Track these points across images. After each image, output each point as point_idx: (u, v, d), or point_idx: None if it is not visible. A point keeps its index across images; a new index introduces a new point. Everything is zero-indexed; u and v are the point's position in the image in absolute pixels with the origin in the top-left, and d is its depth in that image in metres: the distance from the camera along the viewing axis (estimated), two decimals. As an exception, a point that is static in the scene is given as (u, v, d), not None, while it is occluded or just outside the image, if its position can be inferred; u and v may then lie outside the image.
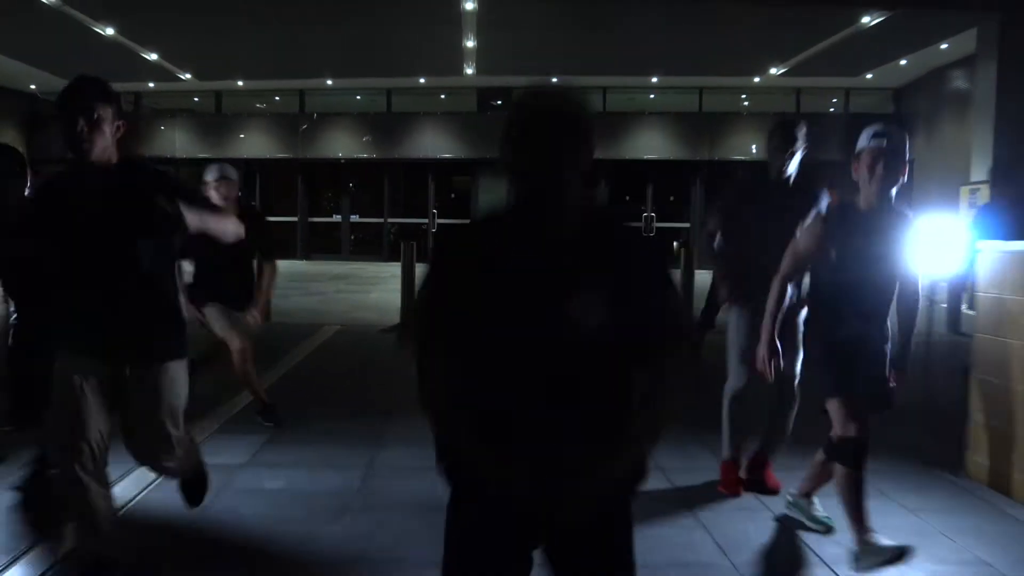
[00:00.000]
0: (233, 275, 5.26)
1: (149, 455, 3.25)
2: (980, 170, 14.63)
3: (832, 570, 3.39)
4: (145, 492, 4.07)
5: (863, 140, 3.39)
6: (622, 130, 22.18)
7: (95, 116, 2.92)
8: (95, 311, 3.03)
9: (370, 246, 24.02)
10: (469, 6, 14.21)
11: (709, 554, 3.55)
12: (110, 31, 16.21)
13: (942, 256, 6.04)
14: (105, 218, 2.96)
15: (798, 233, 3.54)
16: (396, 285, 11.56)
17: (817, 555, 3.55)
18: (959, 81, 18.19)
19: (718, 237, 4.44)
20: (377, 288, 15.40)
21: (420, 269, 1.79)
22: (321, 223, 24.29)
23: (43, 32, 15.96)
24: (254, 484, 4.37)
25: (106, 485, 3.06)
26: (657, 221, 22.09)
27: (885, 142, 3.32)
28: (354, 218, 24.19)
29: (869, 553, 3.24)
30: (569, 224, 1.83)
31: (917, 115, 19.93)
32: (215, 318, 5.19)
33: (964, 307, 10.46)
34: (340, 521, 3.84)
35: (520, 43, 17.18)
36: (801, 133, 4.13)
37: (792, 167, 4.13)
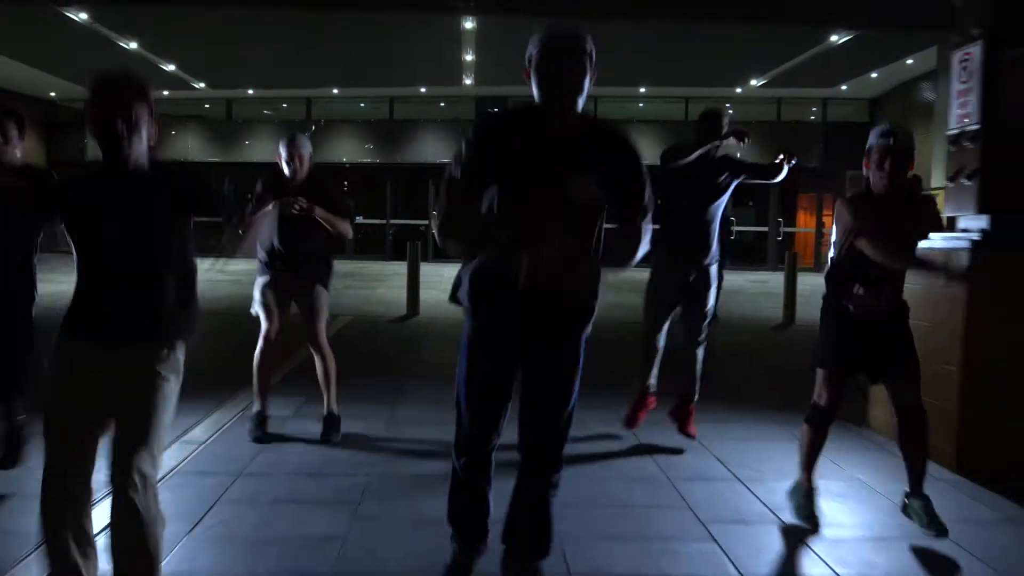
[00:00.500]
0: (306, 244, 5.27)
1: (123, 452, 2.65)
2: (939, 177, 15.83)
3: (745, 485, 4.58)
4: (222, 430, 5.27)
5: (872, 138, 3.82)
6: (613, 137, 23.41)
7: (133, 118, 2.67)
8: (108, 292, 2.76)
9: (373, 246, 25.20)
10: (468, 25, 15.38)
11: (651, 472, 4.74)
12: (133, 45, 17.39)
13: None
14: (135, 222, 2.74)
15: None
16: (400, 282, 12.75)
17: (733, 473, 4.74)
18: (927, 93, 19.39)
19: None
20: (382, 285, 16.52)
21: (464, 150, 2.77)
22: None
23: (70, 46, 17.12)
24: (302, 429, 5.52)
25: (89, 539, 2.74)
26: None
27: (892, 140, 3.73)
28: (358, 219, 25.37)
29: (798, 494, 4.06)
30: (573, 124, 2.73)
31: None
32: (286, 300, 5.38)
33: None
34: (375, 451, 5.03)
35: (516, 56, 18.27)
36: (726, 121, 5.21)
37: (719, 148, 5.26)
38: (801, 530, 3.92)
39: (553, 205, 2.65)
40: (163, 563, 2.76)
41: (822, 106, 23.90)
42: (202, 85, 22.19)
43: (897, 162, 3.73)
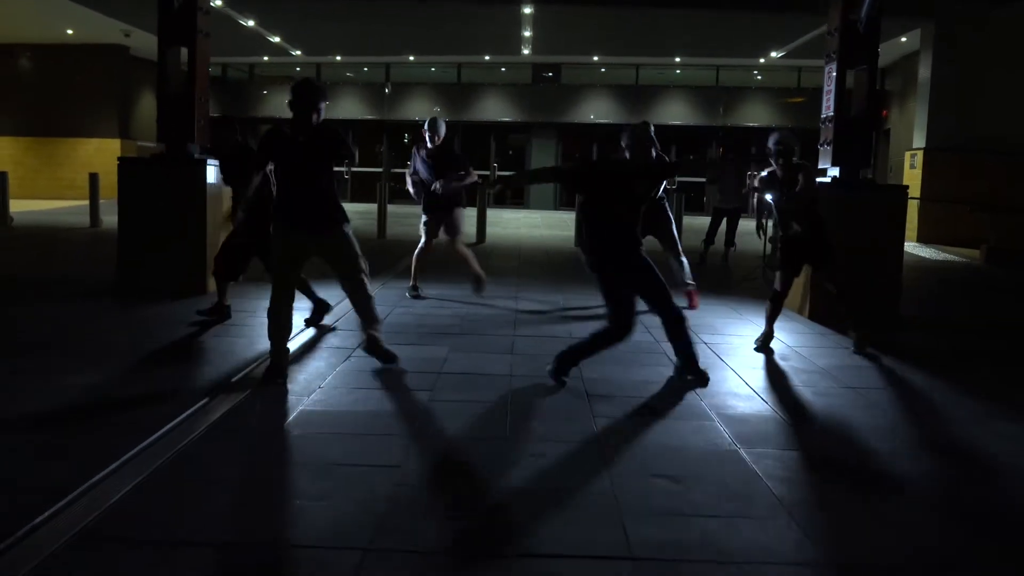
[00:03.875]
0: (447, 193, 8.45)
1: (352, 274, 5.41)
2: (920, 140, 18.85)
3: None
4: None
5: (770, 143, 6.50)
6: (652, 100, 26.43)
7: (319, 111, 5.21)
8: (299, 202, 5.21)
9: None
10: (527, 10, 18.64)
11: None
12: (251, 23, 21.00)
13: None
14: (306, 154, 5.14)
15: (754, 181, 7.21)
16: (468, 221, 16.31)
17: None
18: (920, 67, 22.01)
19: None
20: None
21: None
22: (401, 173, 29.04)
23: (201, 23, 20.65)
24: (418, 302, 9.15)
25: (290, 317, 5.42)
26: (679, 176, 26.31)
27: (778, 144, 6.45)
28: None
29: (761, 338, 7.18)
30: (616, 161, 5.89)
31: (893, 92, 23.84)
32: (438, 222, 8.65)
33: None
34: (466, 304, 8.64)
35: (568, 33, 21.63)
36: (638, 135, 8.38)
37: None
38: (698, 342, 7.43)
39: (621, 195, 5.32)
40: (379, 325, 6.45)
41: (840, 74, 26.56)
42: (298, 52, 25.69)
43: (784, 155, 6.53)
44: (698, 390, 5.43)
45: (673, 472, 3.93)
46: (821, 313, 8.11)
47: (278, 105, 27.58)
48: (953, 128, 18.17)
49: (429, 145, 8.50)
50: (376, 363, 5.84)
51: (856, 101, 8.55)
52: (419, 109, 27.41)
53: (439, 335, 6.95)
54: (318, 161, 5.26)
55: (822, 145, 8.71)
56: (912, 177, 18.66)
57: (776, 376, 5.96)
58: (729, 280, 11.32)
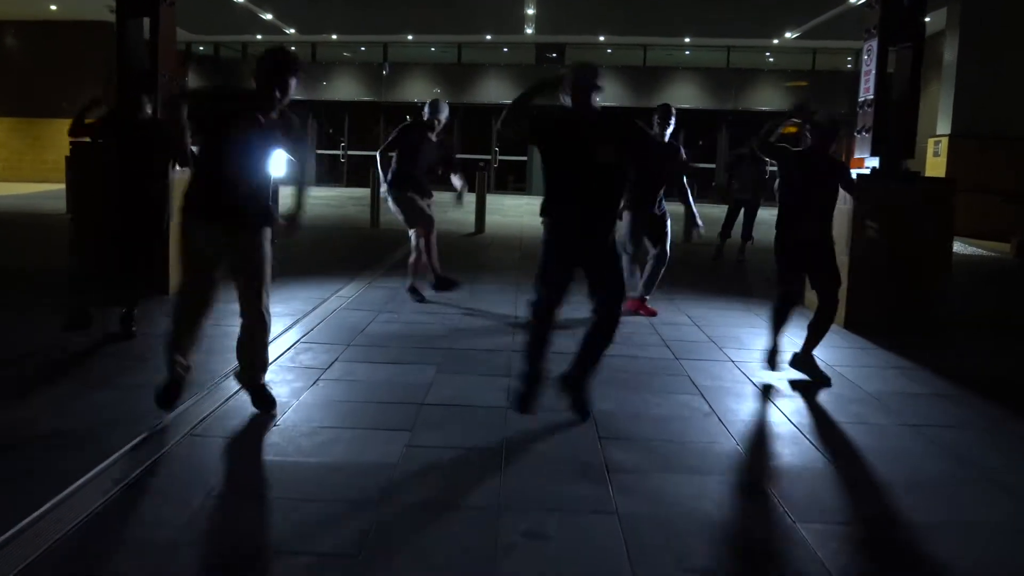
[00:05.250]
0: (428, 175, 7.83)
1: (250, 293, 4.28)
2: (944, 126, 17.87)
3: (699, 327, 7.17)
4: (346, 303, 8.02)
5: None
6: (659, 82, 25.44)
7: (287, 87, 4.11)
8: (227, 192, 4.14)
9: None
10: (530, -14, 17.73)
11: (643, 321, 7.37)
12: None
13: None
14: (259, 137, 4.14)
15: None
16: (466, 208, 15.34)
17: (694, 322, 7.34)
18: (944, 49, 21.04)
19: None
20: (451, 210, 19.16)
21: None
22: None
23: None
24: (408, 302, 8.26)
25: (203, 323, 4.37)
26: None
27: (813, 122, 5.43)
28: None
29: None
30: (593, 114, 4.46)
31: (914, 75, 22.77)
32: (412, 207, 7.67)
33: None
34: (460, 306, 7.73)
35: (572, 10, 20.63)
36: (673, 112, 7.47)
37: (668, 131, 7.48)
38: (714, 349, 6.53)
39: (586, 171, 4.46)
40: (359, 336, 5.50)
41: (856, 56, 25.56)
42: (292, 31, 24.71)
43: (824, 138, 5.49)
44: (729, 427, 4.52)
45: (715, 566, 3.02)
46: (859, 322, 7.23)
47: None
48: (980, 114, 17.18)
49: (426, 122, 7.77)
50: (350, 393, 4.94)
51: (898, 83, 7.60)
52: (418, 90, 26.44)
53: (425, 350, 6.02)
54: (269, 148, 4.25)
55: (860, 132, 7.78)
56: (936, 165, 17.68)
57: (821, 407, 5.04)
58: (749, 280, 10.40)
